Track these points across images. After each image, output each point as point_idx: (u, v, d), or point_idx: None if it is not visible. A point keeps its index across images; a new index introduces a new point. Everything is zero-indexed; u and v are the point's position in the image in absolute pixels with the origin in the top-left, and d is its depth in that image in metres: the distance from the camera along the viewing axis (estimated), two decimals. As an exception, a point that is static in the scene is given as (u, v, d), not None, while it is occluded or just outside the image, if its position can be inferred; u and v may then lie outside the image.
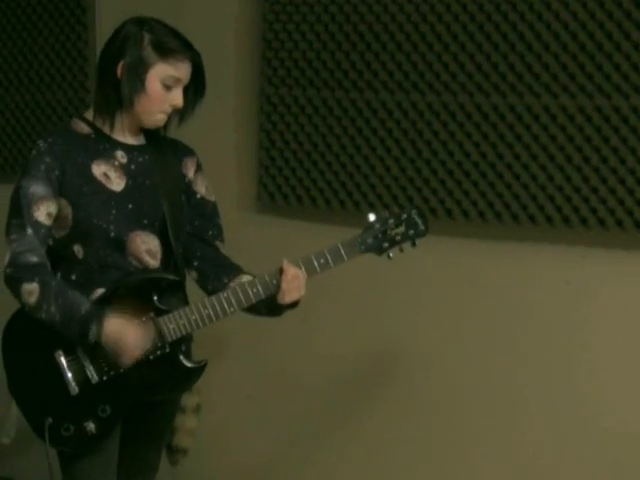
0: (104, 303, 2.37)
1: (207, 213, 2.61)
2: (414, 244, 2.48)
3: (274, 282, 2.43)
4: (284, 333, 3.37)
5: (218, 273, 2.55)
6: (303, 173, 3.26)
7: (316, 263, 2.43)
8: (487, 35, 2.93)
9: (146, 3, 3.26)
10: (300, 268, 2.42)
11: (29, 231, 2.35)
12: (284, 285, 2.41)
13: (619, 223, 2.81)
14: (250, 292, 2.42)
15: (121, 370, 2.40)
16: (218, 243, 2.62)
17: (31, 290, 2.32)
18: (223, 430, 3.55)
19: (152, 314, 2.40)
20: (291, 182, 3.28)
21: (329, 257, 2.42)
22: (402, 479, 3.28)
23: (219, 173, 3.33)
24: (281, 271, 2.42)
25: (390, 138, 3.11)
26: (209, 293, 2.53)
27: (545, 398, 3.02)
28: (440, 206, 3.05)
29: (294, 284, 2.41)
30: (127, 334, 2.33)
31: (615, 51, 2.77)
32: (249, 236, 3.36)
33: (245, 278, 2.51)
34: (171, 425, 2.81)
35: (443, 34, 2.99)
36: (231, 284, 2.51)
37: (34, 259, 2.35)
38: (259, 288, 2.43)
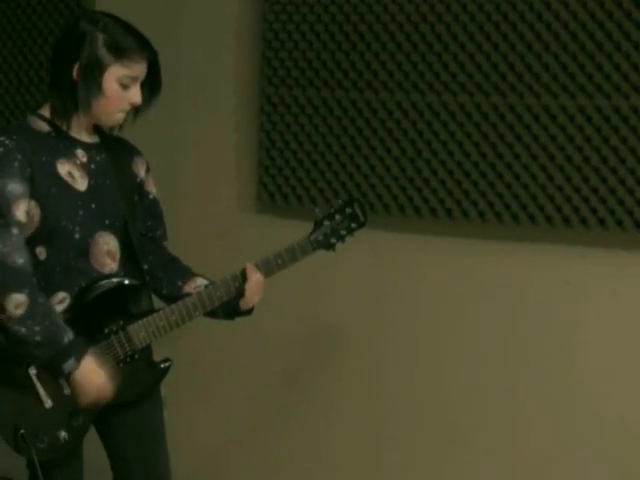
0: (74, 322, 2.33)
1: (157, 213, 2.61)
2: (352, 235, 2.59)
3: (236, 285, 2.46)
4: (284, 332, 3.38)
5: (171, 276, 2.56)
6: (303, 173, 3.26)
7: (274, 264, 2.49)
8: (487, 35, 2.93)
9: (146, 3, 3.26)
10: (260, 271, 2.46)
11: (14, 230, 2.26)
12: (248, 293, 2.45)
13: (619, 223, 2.81)
14: (214, 295, 2.45)
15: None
16: (165, 243, 2.63)
17: (19, 302, 2.23)
18: (221, 428, 3.55)
19: (121, 324, 2.39)
20: (291, 182, 3.28)
21: (286, 257, 2.50)
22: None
23: (219, 173, 3.35)
24: (244, 276, 2.45)
25: (390, 138, 3.10)
26: (164, 296, 2.54)
27: (544, 398, 3.02)
28: (440, 206, 3.04)
29: (257, 290, 2.46)
30: (96, 380, 2.32)
31: (615, 51, 2.77)
32: (249, 236, 3.35)
33: (200, 281, 2.54)
34: (163, 417, 2.72)
35: (443, 34, 2.99)
36: (186, 287, 2.53)
37: (20, 260, 2.26)
38: (221, 291, 2.45)
